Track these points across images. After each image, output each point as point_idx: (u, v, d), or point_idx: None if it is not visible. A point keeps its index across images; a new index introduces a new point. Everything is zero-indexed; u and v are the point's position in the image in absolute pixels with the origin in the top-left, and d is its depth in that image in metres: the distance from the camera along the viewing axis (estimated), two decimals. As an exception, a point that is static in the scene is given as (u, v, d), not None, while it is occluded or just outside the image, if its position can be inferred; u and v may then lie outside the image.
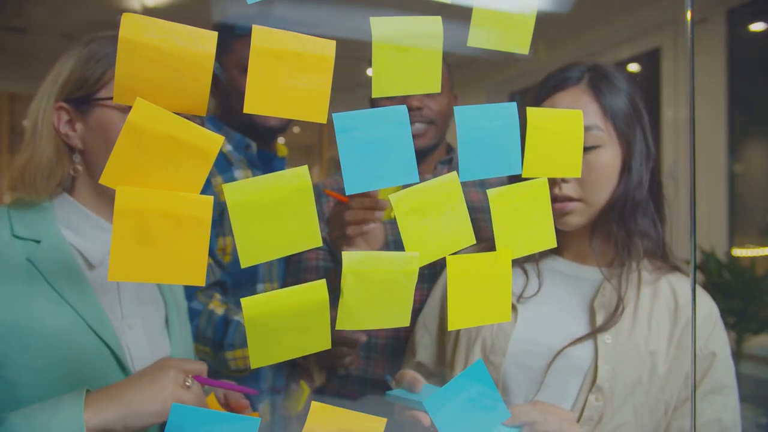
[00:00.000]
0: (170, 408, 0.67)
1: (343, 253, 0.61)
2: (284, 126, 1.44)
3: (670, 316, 0.93)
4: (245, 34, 1.33)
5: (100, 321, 0.84)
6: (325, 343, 0.63)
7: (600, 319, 0.93)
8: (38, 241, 0.83)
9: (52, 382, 0.80)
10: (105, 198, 0.89)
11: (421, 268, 0.64)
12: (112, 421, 0.69)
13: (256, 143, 1.42)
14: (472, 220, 0.66)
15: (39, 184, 0.85)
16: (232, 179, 1.32)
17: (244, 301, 0.58)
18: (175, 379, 0.73)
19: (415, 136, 1.07)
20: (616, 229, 0.94)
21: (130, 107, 0.82)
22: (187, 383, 0.74)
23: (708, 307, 0.95)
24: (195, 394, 0.74)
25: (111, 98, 0.83)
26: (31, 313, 0.80)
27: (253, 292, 1.30)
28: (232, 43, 1.35)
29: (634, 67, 2.91)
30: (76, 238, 0.87)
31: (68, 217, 0.88)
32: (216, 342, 1.21)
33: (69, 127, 0.86)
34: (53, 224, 0.86)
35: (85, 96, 0.85)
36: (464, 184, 0.65)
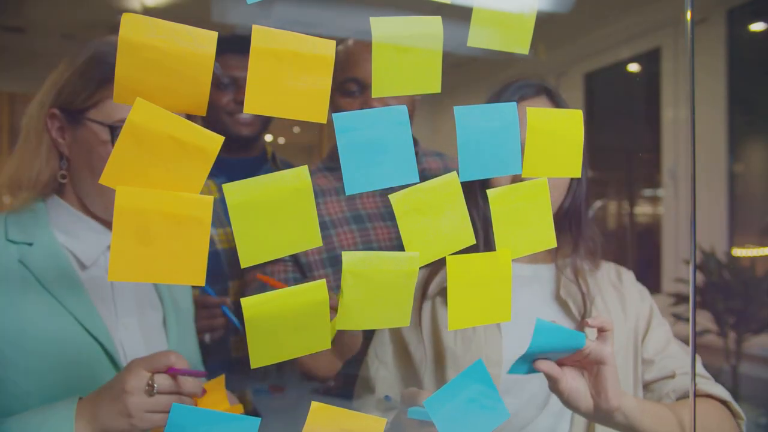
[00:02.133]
0: (138, 421, 0.68)
1: (343, 253, 0.61)
2: (257, 135, 1.44)
3: (616, 291, 1.08)
4: (226, 53, 1.31)
5: (92, 320, 0.84)
6: (325, 343, 0.63)
7: (572, 307, 1.03)
8: (30, 244, 0.85)
9: (45, 380, 0.80)
10: (87, 205, 0.90)
11: None
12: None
13: (234, 152, 1.41)
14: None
15: (25, 185, 0.86)
16: None
17: (244, 301, 0.58)
18: (135, 388, 0.69)
19: None
20: (574, 230, 1.06)
21: (111, 136, 0.82)
22: (149, 388, 0.70)
23: (628, 274, 1.13)
24: (160, 395, 0.70)
25: (98, 122, 0.85)
26: (24, 313, 0.81)
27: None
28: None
29: (634, 67, 2.91)
30: (68, 240, 0.88)
31: (60, 218, 0.89)
32: None
33: (59, 134, 0.88)
34: (45, 226, 0.87)
35: (76, 110, 0.86)
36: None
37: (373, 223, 1.22)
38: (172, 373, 0.72)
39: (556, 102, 1.03)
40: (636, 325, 1.05)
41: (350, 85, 1.15)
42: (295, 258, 1.15)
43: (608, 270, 1.11)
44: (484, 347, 0.99)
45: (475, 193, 0.99)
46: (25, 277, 0.83)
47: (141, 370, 0.71)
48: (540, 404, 0.98)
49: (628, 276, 1.12)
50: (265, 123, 1.45)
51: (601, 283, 1.08)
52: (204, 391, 0.79)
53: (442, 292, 1.04)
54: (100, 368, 0.84)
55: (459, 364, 0.99)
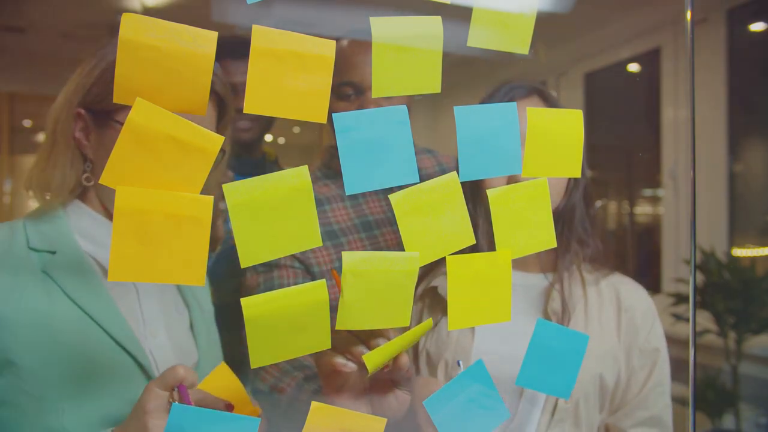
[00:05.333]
0: None
1: (343, 253, 0.61)
2: (258, 139, 1.44)
3: (616, 314, 0.99)
4: (225, 58, 1.31)
5: (123, 333, 0.82)
6: (325, 343, 0.63)
7: (553, 319, 0.97)
8: (53, 252, 0.82)
9: (75, 393, 0.78)
10: (111, 210, 0.85)
11: None
12: None
13: (234, 154, 1.42)
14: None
15: (54, 188, 0.83)
16: None
17: (244, 301, 0.58)
18: (156, 408, 0.67)
19: None
20: (565, 236, 1.00)
21: None
22: (170, 404, 0.68)
23: (647, 302, 1.00)
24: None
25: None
26: (50, 325, 0.78)
27: None
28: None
29: (634, 67, 2.91)
30: (91, 246, 0.85)
31: (82, 225, 0.86)
32: None
33: (83, 134, 0.84)
34: (67, 234, 0.84)
35: (103, 111, 0.83)
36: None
37: (381, 230, 1.21)
38: (181, 391, 0.70)
39: (549, 102, 1.02)
40: (625, 370, 0.97)
41: (346, 88, 1.11)
42: (306, 266, 1.13)
43: (620, 286, 1.02)
44: (455, 348, 0.98)
45: (465, 194, 0.99)
46: (50, 287, 0.80)
47: (157, 389, 0.69)
48: (518, 392, 0.98)
49: (645, 306, 1.00)
50: (263, 127, 1.44)
51: (603, 296, 1.00)
52: (231, 406, 0.76)
53: (427, 293, 1.04)
54: (132, 378, 0.82)
55: (430, 364, 1.00)
